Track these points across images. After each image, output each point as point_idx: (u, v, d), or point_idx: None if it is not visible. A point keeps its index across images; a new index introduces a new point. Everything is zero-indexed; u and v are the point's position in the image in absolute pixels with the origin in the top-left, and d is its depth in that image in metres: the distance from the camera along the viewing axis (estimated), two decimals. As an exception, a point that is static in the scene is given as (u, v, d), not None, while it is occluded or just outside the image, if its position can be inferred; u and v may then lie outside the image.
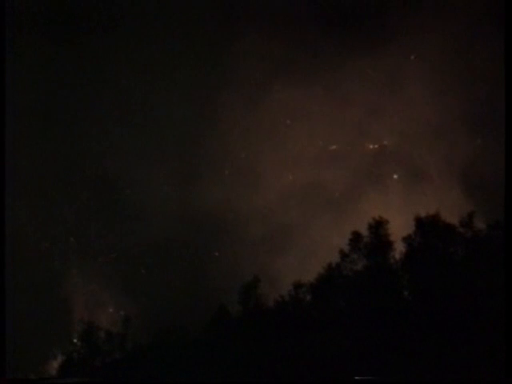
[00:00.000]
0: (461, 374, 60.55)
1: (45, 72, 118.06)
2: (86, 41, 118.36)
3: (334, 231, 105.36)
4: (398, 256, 68.36)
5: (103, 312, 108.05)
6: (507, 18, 77.10)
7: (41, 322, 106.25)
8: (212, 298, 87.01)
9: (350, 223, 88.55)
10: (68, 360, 72.92)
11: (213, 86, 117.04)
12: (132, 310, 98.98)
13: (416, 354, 62.22)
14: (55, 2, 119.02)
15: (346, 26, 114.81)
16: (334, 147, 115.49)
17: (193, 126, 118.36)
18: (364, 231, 69.17)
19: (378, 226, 68.87)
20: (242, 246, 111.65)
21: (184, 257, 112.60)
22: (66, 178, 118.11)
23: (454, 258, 67.25)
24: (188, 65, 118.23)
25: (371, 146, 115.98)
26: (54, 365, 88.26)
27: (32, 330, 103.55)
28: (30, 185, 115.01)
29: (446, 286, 64.93)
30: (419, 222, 68.37)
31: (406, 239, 68.32)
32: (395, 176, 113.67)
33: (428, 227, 67.87)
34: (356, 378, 62.21)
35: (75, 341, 74.67)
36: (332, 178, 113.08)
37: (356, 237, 69.14)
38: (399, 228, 70.56)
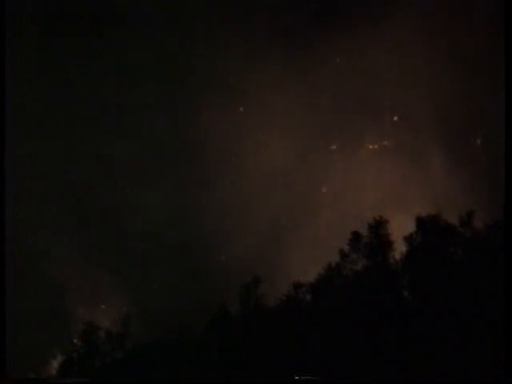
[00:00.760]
0: (461, 374, 60.55)
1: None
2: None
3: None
4: (397, 256, 68.39)
5: (103, 312, 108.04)
6: (507, 18, 77.08)
7: (41, 322, 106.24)
8: (212, 298, 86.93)
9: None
10: (68, 360, 72.82)
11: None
12: (132, 310, 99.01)
13: (416, 354, 62.19)
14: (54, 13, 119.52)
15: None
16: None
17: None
18: (364, 231, 69.20)
19: (378, 226, 68.83)
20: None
21: (184, 257, 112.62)
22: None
23: (454, 258, 67.24)
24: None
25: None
26: (54, 365, 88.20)
27: (32, 330, 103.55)
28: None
29: (445, 286, 64.91)
30: (420, 222, 68.31)
31: (407, 239, 68.30)
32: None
33: (428, 227, 67.85)
34: (356, 378, 62.31)
35: (75, 341, 74.61)
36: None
37: (356, 237, 69.12)
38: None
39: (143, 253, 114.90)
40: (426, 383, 61.30)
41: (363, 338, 63.93)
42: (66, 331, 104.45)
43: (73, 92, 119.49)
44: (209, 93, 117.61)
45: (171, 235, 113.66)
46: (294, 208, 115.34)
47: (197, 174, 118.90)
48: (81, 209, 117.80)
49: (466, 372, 60.53)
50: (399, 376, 61.52)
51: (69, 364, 72.35)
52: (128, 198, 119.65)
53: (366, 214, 78.62)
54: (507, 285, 61.84)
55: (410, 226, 69.56)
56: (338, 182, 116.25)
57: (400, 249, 68.75)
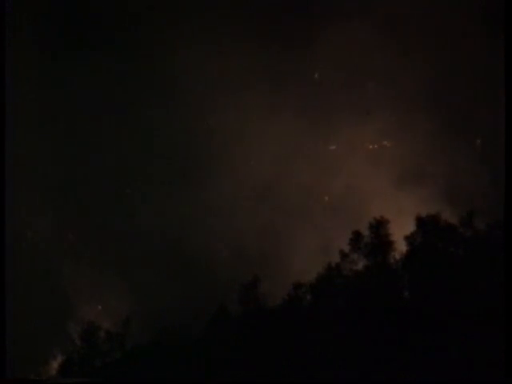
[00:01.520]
0: (461, 373, 60.55)
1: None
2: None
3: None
4: (398, 256, 68.38)
5: (103, 312, 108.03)
6: (507, 18, 77.14)
7: (41, 321, 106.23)
8: (212, 298, 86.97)
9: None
10: (68, 360, 72.82)
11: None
12: (132, 310, 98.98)
13: (416, 354, 62.19)
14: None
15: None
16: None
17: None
18: (364, 231, 69.18)
19: (379, 226, 68.81)
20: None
21: (184, 257, 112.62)
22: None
23: (454, 258, 67.24)
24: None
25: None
26: (54, 365, 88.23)
27: (32, 330, 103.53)
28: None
29: (445, 286, 64.92)
30: (420, 222, 68.29)
31: (407, 239, 68.29)
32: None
33: (428, 227, 67.83)
34: (356, 378, 62.32)
35: (75, 341, 74.61)
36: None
37: (356, 236, 69.11)
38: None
39: (143, 253, 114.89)
40: (426, 383, 61.31)
41: (363, 337, 63.93)
42: (66, 331, 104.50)
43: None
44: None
45: (171, 235, 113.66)
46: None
47: (196, 174, 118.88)
48: (81, 209, 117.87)
49: (466, 372, 60.53)
50: (399, 376, 61.53)
51: (69, 364, 72.35)
52: (128, 198, 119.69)
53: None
54: (507, 285, 61.86)
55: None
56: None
57: (400, 248, 68.77)
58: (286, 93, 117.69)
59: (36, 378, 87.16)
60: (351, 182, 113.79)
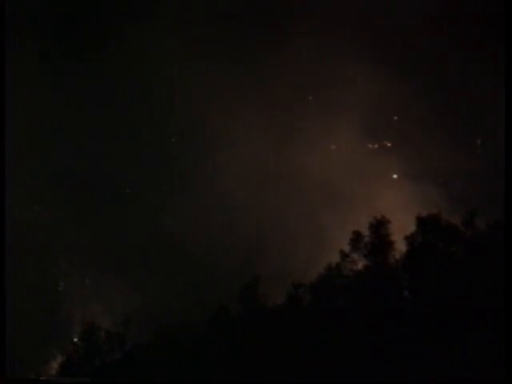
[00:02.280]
0: (461, 374, 60.54)
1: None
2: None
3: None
4: (398, 256, 68.33)
5: (104, 312, 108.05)
6: (507, 18, 77.21)
7: (41, 321, 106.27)
8: (212, 298, 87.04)
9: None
10: (68, 360, 72.74)
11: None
12: (132, 310, 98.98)
13: (416, 354, 62.20)
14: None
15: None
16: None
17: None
18: (365, 230, 69.12)
19: (379, 226, 68.74)
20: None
21: (184, 257, 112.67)
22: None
23: (455, 258, 67.21)
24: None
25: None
26: (54, 365, 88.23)
27: (32, 329, 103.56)
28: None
29: (446, 286, 64.89)
30: (420, 221, 68.22)
31: (407, 238, 68.23)
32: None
33: (429, 226, 67.77)
34: (356, 378, 62.31)
35: (75, 341, 74.59)
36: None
37: (356, 236, 69.04)
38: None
39: (142, 253, 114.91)
40: (426, 383, 61.31)
41: (363, 338, 63.93)
42: (66, 331, 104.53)
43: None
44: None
45: (171, 235, 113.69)
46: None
47: (195, 174, 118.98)
48: (82, 209, 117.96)
49: (466, 372, 60.52)
50: (399, 376, 61.53)
51: (69, 364, 72.28)
52: (128, 198, 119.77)
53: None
54: (507, 285, 61.86)
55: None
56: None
57: (400, 248, 68.73)
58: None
59: (36, 378, 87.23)
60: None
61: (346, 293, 67.87)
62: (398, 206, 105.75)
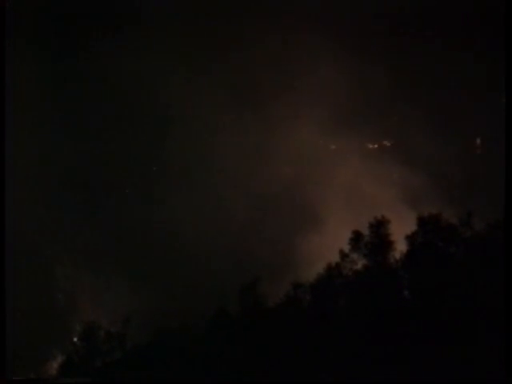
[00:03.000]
0: (461, 373, 60.52)
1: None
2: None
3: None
4: (398, 256, 68.29)
5: (104, 312, 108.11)
6: (507, 18, 77.21)
7: (41, 322, 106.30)
8: (212, 299, 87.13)
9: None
10: (68, 360, 72.78)
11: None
12: (132, 310, 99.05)
13: (416, 354, 62.17)
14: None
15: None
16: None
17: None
18: (365, 230, 69.07)
19: (379, 225, 68.71)
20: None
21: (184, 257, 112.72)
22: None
23: (454, 258, 67.17)
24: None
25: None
26: (54, 365, 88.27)
27: (32, 330, 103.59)
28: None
29: (446, 286, 64.86)
30: (421, 222, 68.16)
31: (407, 238, 68.18)
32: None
33: (429, 226, 67.72)
34: (356, 378, 62.28)
35: (75, 341, 74.60)
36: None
37: (356, 236, 68.99)
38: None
39: (142, 252, 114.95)
40: (426, 383, 61.29)
41: (363, 338, 63.92)
42: (66, 331, 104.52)
43: None
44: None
45: (171, 236, 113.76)
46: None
47: (196, 174, 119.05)
48: (82, 209, 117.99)
49: (466, 372, 60.50)
50: (399, 376, 61.51)
51: (69, 364, 72.32)
52: (128, 198, 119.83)
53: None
54: (507, 285, 61.83)
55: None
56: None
57: (400, 248, 68.71)
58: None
59: (36, 378, 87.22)
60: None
61: (345, 293, 67.82)
62: (398, 205, 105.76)
